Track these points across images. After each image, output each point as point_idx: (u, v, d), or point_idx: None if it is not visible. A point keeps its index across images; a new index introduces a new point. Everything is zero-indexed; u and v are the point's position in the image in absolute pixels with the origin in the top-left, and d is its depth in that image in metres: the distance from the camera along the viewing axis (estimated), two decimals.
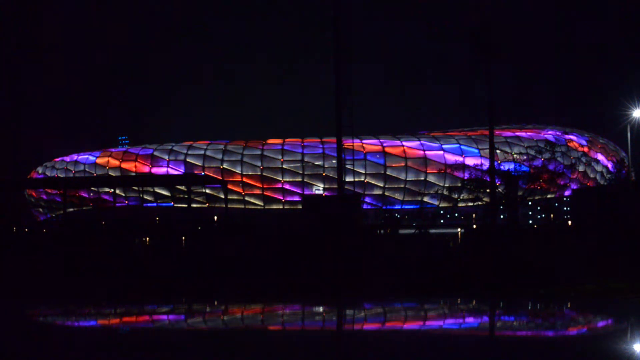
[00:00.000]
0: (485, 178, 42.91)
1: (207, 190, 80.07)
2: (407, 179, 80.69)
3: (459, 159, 68.50)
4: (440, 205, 74.76)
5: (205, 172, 79.92)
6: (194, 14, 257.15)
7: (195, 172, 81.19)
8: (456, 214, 76.24)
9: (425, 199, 78.64)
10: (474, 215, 68.76)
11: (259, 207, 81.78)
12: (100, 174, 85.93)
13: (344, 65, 37.42)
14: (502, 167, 44.47)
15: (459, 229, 52.09)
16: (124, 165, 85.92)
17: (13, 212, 63.04)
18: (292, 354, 4.47)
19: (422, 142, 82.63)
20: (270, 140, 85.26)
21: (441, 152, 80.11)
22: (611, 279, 18.05)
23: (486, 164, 44.76)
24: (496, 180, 42.25)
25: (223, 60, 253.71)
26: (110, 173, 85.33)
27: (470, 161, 66.55)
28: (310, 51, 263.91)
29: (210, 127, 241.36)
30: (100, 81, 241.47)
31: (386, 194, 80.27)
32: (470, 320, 6.29)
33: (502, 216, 53.23)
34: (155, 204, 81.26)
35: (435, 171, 76.64)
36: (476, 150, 78.08)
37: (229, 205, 66.84)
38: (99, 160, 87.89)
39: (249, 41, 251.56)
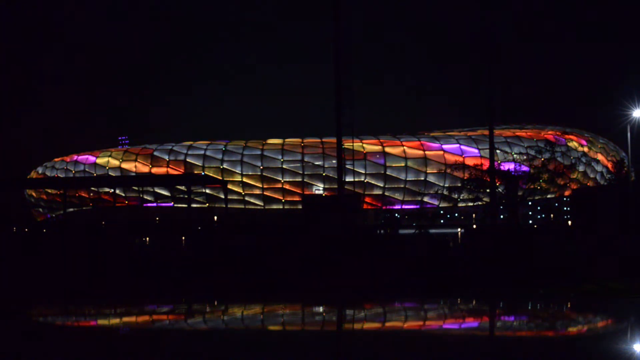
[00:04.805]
0: (485, 178, 42.94)
1: (207, 190, 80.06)
2: (407, 179, 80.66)
3: (459, 159, 68.50)
4: (440, 205, 74.75)
5: (205, 172, 79.89)
6: (194, 14, 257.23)
7: (195, 172, 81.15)
8: (456, 214, 76.40)
9: (425, 199, 78.64)
10: (474, 215, 68.90)
11: (259, 207, 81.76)
12: (100, 174, 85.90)
13: (344, 65, 37.47)
14: (502, 167, 44.52)
15: (459, 229, 52.12)
16: (124, 165, 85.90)
17: (13, 212, 63.03)
18: (292, 354, 4.47)
19: (422, 142, 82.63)
20: (270, 140, 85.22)
21: (441, 152, 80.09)
22: (611, 279, 18.05)
23: (486, 164, 44.75)
24: (496, 180, 42.28)
25: (223, 60, 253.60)
26: (110, 173, 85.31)
27: (470, 161, 66.51)
28: (311, 50, 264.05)
29: (210, 127, 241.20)
30: (100, 81, 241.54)
31: (386, 194, 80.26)
32: (470, 320, 6.29)
33: (502, 216, 53.28)
34: (155, 204, 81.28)
35: (435, 171, 76.67)
36: (476, 150, 78.07)
37: (229, 205, 66.86)
38: (99, 160, 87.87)
39: (249, 40, 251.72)
